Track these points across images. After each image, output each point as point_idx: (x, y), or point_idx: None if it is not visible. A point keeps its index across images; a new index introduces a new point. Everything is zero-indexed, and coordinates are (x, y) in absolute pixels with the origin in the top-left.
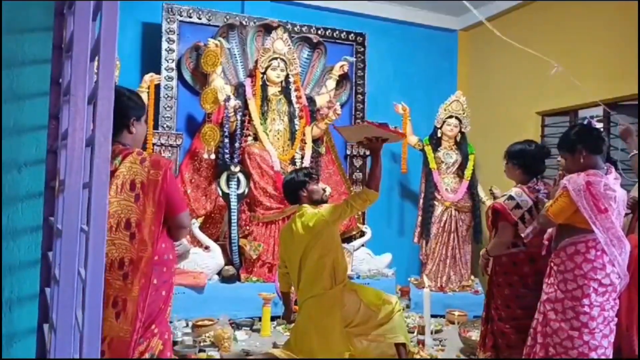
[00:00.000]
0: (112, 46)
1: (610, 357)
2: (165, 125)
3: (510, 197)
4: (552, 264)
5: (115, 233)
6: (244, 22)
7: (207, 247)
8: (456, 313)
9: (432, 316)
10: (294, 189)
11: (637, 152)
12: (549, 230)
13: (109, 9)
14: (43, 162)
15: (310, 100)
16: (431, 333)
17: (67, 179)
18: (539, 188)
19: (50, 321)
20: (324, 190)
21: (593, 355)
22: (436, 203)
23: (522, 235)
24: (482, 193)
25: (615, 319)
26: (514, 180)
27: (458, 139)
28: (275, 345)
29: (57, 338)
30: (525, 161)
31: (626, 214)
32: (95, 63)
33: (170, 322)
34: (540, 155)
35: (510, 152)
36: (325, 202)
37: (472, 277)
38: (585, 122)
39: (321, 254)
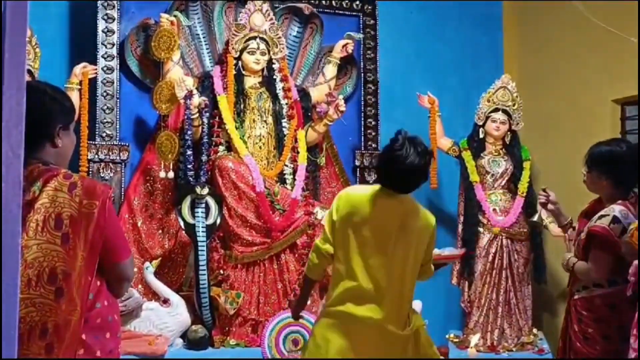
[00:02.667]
0: (21, 27)
1: None
2: (104, 134)
3: (615, 219)
4: None
5: (35, 289)
6: None
7: (165, 301)
8: None
9: None
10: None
11: None
12: (635, 262)
13: None
14: None
15: (303, 93)
16: None
17: None
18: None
19: None
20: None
21: None
22: (481, 230)
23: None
24: (544, 214)
25: None
26: (598, 194)
27: (507, 140)
28: None
29: None
30: (616, 168)
31: None
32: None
33: None
34: (636, 159)
35: (594, 156)
36: None
37: (534, 330)
38: None
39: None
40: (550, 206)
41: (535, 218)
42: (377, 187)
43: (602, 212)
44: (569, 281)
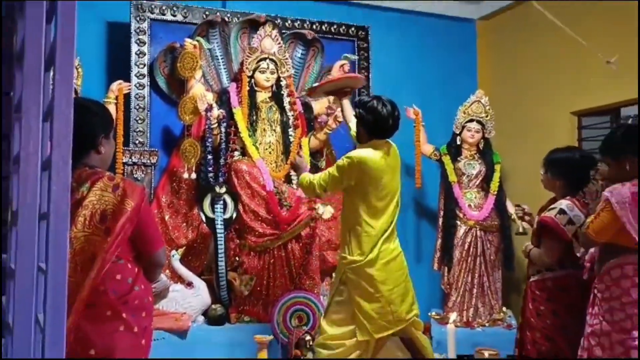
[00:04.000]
0: (70, 53)
1: None
2: (137, 141)
3: (562, 211)
4: (595, 291)
5: (80, 274)
6: (226, 19)
7: (189, 284)
8: (486, 352)
9: (459, 357)
10: None
11: None
12: (591, 250)
13: (66, 8)
14: None
15: (307, 106)
16: None
17: (20, 210)
18: (587, 201)
19: None
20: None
21: None
22: (458, 222)
23: (579, 254)
24: (511, 209)
25: None
26: (554, 193)
27: (481, 146)
28: None
29: None
30: (569, 171)
31: None
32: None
33: None
34: (586, 164)
35: (550, 160)
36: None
37: (504, 309)
38: (631, 122)
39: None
40: (526, 217)
41: (521, 230)
42: (372, 144)
43: (552, 206)
44: (527, 266)
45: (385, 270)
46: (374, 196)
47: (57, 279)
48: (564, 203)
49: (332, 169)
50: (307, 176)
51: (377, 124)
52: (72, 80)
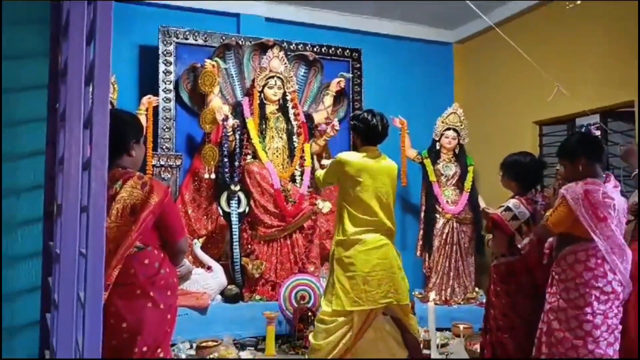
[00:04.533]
0: (106, 70)
1: None
2: (164, 147)
3: (508, 209)
4: (553, 273)
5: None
6: (240, 42)
7: (209, 268)
8: (461, 326)
9: (438, 329)
10: None
11: (637, 172)
12: (550, 239)
13: (103, 33)
14: (41, 187)
15: (308, 117)
16: (437, 347)
17: (64, 203)
18: (537, 199)
19: (51, 347)
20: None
21: None
22: (437, 216)
23: (520, 246)
24: (482, 204)
25: (620, 327)
26: (511, 191)
27: (456, 151)
28: None
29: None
30: (520, 173)
31: (629, 221)
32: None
33: (174, 344)
34: (536, 167)
35: (505, 163)
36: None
37: (477, 289)
38: (584, 130)
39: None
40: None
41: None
42: (362, 150)
43: (501, 204)
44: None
45: (365, 253)
46: (353, 190)
47: (95, 262)
48: (511, 202)
49: (328, 167)
50: (318, 172)
51: (369, 132)
52: (108, 94)
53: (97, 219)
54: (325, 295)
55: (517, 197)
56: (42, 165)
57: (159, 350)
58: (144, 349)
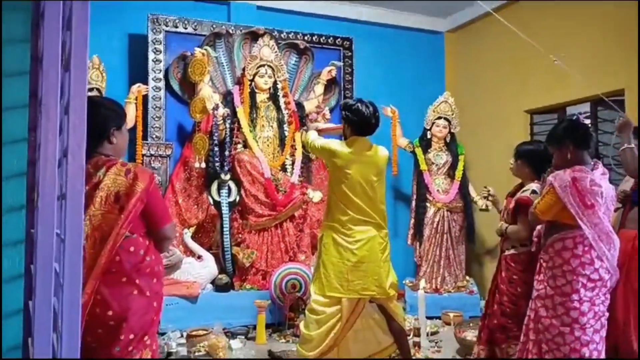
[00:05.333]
0: (83, 54)
1: (603, 352)
2: (154, 136)
3: (534, 191)
4: (541, 260)
5: (99, 246)
6: (230, 31)
7: (199, 257)
8: (451, 314)
9: (428, 318)
10: None
11: (628, 146)
12: (538, 227)
13: (80, 16)
14: (24, 175)
15: (299, 106)
16: (427, 335)
17: (41, 190)
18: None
19: (32, 335)
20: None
21: (585, 350)
22: (428, 205)
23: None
24: (473, 193)
25: (607, 314)
26: (521, 178)
27: (448, 139)
28: (270, 353)
29: (34, 348)
30: (536, 160)
31: (617, 209)
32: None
33: (164, 333)
34: (548, 154)
35: (521, 151)
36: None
37: (467, 277)
38: (574, 118)
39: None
40: (490, 197)
41: (483, 207)
42: (351, 140)
43: (524, 188)
44: (501, 242)
45: (352, 244)
46: (341, 182)
47: (73, 247)
48: (534, 185)
49: (320, 141)
50: (309, 135)
51: (361, 123)
52: (86, 78)
53: (75, 205)
54: (313, 282)
55: (536, 181)
56: (25, 152)
57: (145, 338)
58: (131, 336)
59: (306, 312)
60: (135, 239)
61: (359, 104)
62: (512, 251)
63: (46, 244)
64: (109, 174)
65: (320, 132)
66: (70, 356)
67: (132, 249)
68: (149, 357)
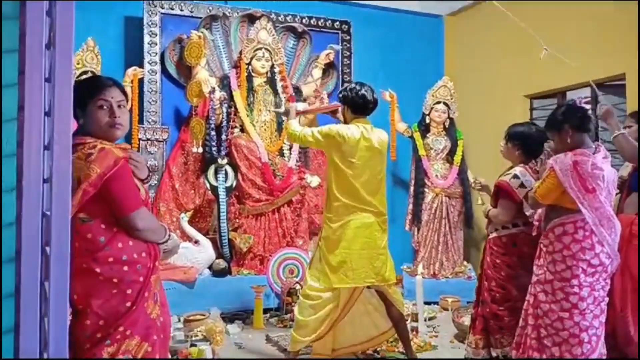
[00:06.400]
0: (68, 29)
1: (602, 337)
2: (150, 120)
3: (515, 176)
4: (541, 245)
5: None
6: (227, 13)
7: (196, 242)
8: (449, 299)
9: (426, 303)
10: None
11: (619, 132)
12: (539, 211)
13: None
14: (14, 156)
15: (297, 89)
16: (425, 320)
17: (25, 172)
18: (537, 169)
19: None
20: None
21: (584, 335)
22: (426, 190)
23: (527, 214)
24: (471, 178)
25: (607, 299)
26: (512, 161)
27: (446, 124)
28: (268, 338)
29: (22, 329)
30: (526, 143)
31: (617, 194)
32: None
33: None
34: (541, 138)
35: (511, 133)
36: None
37: (465, 263)
38: (571, 102)
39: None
40: (484, 189)
41: (480, 202)
42: (355, 122)
43: (505, 172)
44: (486, 226)
45: (353, 232)
46: (345, 169)
47: (60, 224)
48: (517, 169)
49: (318, 130)
50: (296, 129)
51: (360, 104)
52: (71, 53)
53: (62, 186)
54: (310, 270)
55: (522, 165)
56: (14, 132)
57: (121, 329)
58: (100, 322)
59: (300, 297)
60: (93, 225)
61: (358, 85)
62: (494, 234)
63: (31, 224)
64: (73, 156)
65: (304, 114)
66: (58, 339)
67: (89, 235)
68: (145, 347)
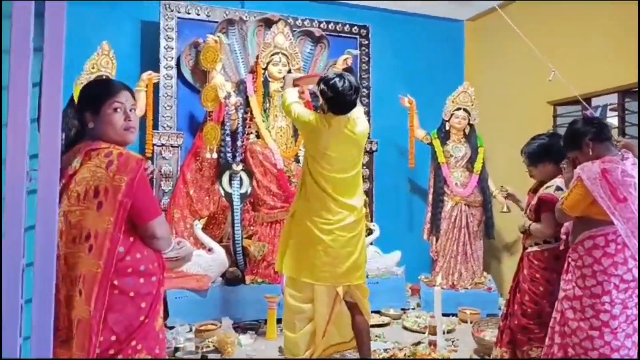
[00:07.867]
0: (59, 26)
1: (635, 358)
2: (165, 125)
3: (558, 188)
4: (569, 259)
5: (78, 246)
6: (243, 17)
7: (210, 249)
8: (468, 311)
9: (444, 315)
10: None
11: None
12: (566, 223)
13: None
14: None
15: (314, 95)
16: (443, 333)
17: (9, 168)
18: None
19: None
20: None
21: (615, 356)
22: (446, 198)
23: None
24: (492, 187)
25: None
26: (547, 179)
27: (467, 131)
28: (280, 350)
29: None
30: (552, 155)
31: None
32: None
33: (172, 327)
34: (558, 144)
35: (534, 154)
36: None
37: (485, 273)
38: (600, 111)
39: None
40: (509, 198)
41: (505, 210)
42: (329, 116)
43: (547, 184)
44: (523, 239)
45: (323, 225)
46: (315, 157)
47: (46, 235)
48: (557, 181)
49: (297, 109)
50: (287, 94)
51: (334, 100)
52: (62, 53)
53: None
54: (280, 258)
55: (560, 176)
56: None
57: (133, 343)
58: (112, 338)
59: (284, 310)
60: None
61: (336, 79)
62: (534, 248)
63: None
64: (88, 165)
65: (299, 82)
66: (41, 356)
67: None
68: None
